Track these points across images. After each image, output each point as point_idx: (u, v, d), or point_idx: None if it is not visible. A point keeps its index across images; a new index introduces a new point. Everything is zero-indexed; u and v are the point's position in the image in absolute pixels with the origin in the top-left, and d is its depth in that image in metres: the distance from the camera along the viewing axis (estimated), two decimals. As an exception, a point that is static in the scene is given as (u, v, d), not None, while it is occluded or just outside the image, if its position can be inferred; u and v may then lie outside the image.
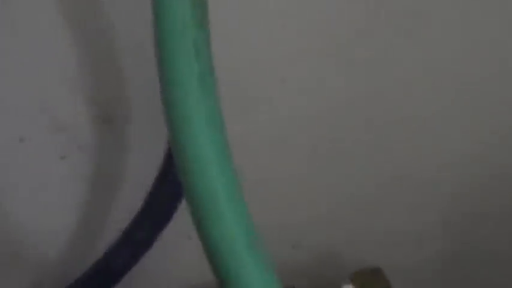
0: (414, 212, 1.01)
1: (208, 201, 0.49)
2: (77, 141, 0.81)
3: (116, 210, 0.86)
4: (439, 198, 1.01)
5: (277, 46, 0.84)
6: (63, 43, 0.77)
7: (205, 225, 0.49)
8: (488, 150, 0.98)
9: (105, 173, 0.84)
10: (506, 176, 1.00)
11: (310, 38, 0.85)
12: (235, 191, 0.49)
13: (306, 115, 0.90)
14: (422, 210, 1.01)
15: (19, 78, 0.77)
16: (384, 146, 0.95)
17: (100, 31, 0.78)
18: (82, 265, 0.84)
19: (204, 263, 0.95)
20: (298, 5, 0.82)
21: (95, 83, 0.80)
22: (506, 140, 0.98)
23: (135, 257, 0.82)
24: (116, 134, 0.84)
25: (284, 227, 0.95)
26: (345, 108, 0.91)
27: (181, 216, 0.86)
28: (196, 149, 0.48)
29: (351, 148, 0.94)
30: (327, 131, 0.92)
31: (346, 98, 0.90)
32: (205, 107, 0.48)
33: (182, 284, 0.94)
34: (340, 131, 0.93)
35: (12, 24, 0.74)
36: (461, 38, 0.90)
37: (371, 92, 0.91)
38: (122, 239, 0.81)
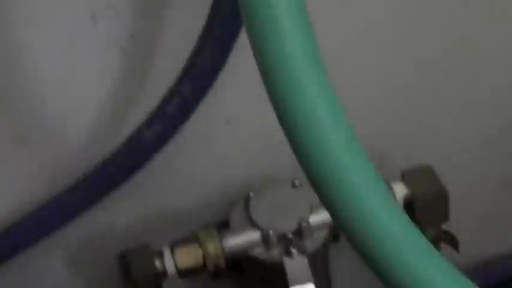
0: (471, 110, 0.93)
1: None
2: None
3: (149, 81, 0.77)
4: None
5: None
6: None
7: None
8: None
9: (138, 37, 0.75)
10: None
11: None
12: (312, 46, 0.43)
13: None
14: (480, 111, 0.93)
15: None
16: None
17: None
18: (112, 141, 0.77)
19: (240, 150, 0.89)
20: None
21: None
22: None
23: (168, 133, 0.75)
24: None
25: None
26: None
27: (220, 98, 0.78)
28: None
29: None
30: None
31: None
32: None
33: (216, 171, 0.88)
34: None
35: None
36: None
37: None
38: (155, 112, 0.74)
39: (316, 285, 0.82)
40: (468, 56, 0.90)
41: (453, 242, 0.91)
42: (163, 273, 0.82)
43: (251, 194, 0.85)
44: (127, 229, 0.88)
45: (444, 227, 0.90)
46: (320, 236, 0.83)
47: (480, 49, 0.90)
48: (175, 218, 0.89)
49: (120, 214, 0.87)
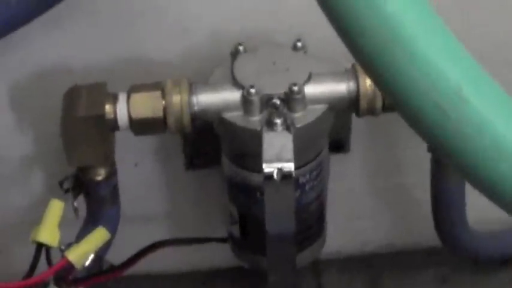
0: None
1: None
2: None
3: None
4: None
5: None
6: None
7: None
8: None
9: None
10: None
11: None
12: None
13: None
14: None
15: None
16: None
17: None
18: None
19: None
20: None
21: None
22: None
23: None
24: None
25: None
26: None
27: None
28: None
29: None
30: None
31: None
32: None
33: (205, 17, 0.71)
34: None
35: None
36: None
37: None
38: None
39: (299, 172, 0.66)
40: None
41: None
42: (114, 122, 0.66)
43: (240, 48, 0.68)
44: (86, 70, 0.72)
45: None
46: (315, 111, 0.66)
47: None
48: (149, 69, 0.73)
49: (80, 50, 0.72)
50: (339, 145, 0.79)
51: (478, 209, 0.79)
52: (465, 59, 0.32)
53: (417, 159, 0.81)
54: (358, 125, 0.79)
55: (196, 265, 0.90)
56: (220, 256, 0.88)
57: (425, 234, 0.84)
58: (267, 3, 0.71)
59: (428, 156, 0.77)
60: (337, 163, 0.78)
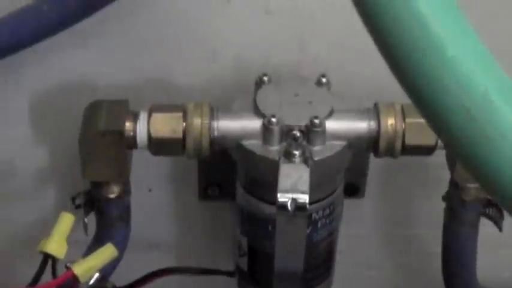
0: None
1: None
2: None
3: None
4: None
5: None
6: None
7: None
8: None
9: None
10: None
11: None
12: None
13: None
14: None
15: None
16: None
17: None
18: None
19: (266, 24, 0.72)
20: None
21: None
22: None
23: None
24: None
25: None
26: None
27: None
28: None
29: None
30: None
31: None
32: None
33: (231, 47, 0.71)
34: None
35: None
36: None
37: None
38: None
39: (312, 207, 0.66)
40: None
41: (497, 217, 0.74)
42: (133, 139, 0.66)
43: (265, 78, 0.68)
44: (108, 89, 0.72)
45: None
46: (334, 146, 0.66)
47: None
48: (172, 92, 0.73)
49: (104, 68, 0.72)
50: (354, 189, 0.79)
51: (487, 269, 0.79)
52: (492, 65, 0.33)
53: (431, 212, 0.80)
54: (374, 171, 0.79)
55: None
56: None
57: (434, 289, 0.83)
58: (295, 36, 0.71)
59: (442, 209, 0.76)
60: (350, 207, 0.78)
